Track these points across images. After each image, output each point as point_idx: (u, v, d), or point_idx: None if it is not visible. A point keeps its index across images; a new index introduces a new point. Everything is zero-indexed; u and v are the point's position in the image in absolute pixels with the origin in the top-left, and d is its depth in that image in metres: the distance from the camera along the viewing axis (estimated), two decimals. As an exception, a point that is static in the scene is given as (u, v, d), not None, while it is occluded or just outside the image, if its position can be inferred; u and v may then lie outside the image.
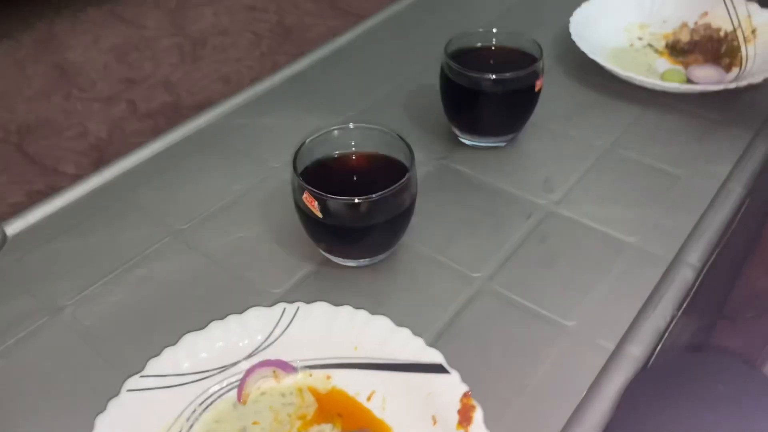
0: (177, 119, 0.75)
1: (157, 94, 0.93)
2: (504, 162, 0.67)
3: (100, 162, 0.74)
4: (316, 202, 0.50)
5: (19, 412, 0.46)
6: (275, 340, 0.48)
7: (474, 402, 0.42)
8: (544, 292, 0.54)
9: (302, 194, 0.51)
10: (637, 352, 0.49)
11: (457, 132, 0.69)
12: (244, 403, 0.46)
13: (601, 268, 0.55)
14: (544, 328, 0.51)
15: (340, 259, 0.56)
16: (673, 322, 0.52)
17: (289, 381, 0.47)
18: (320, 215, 0.51)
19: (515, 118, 0.67)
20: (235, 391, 0.46)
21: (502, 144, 0.68)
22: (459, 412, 0.42)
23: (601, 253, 0.57)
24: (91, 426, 0.42)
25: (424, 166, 0.65)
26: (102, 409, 0.42)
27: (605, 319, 0.51)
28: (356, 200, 0.49)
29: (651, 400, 0.43)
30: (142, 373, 0.44)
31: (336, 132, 0.55)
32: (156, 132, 0.71)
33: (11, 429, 0.45)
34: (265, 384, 0.47)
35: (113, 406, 0.42)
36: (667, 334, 0.51)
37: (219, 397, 0.46)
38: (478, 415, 0.42)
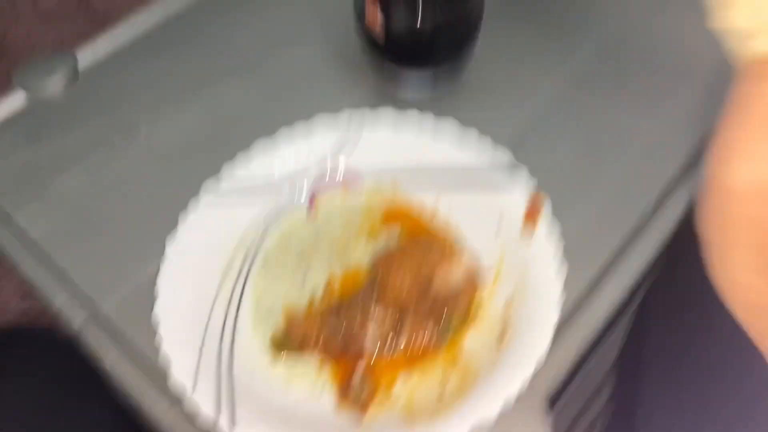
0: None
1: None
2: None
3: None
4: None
5: (105, 222, 0.49)
6: (342, 146, 0.48)
7: (542, 197, 0.42)
8: (620, 96, 0.51)
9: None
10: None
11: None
12: (315, 211, 0.47)
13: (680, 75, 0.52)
14: (619, 130, 0.49)
15: (403, 84, 0.54)
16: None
17: (358, 188, 0.48)
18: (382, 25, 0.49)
19: None
20: (307, 199, 0.47)
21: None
22: (527, 210, 0.42)
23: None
24: (174, 226, 0.44)
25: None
26: (184, 209, 0.44)
27: (684, 124, 0.49)
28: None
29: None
30: (219, 178, 0.46)
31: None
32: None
33: (99, 236, 0.48)
34: (335, 192, 0.48)
35: (194, 206, 0.44)
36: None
37: (292, 203, 0.47)
38: (545, 211, 0.42)
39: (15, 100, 0.58)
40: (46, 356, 0.46)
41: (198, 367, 0.38)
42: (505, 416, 0.34)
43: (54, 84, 0.58)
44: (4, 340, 0.48)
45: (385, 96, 0.54)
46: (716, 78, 0.52)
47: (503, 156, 0.44)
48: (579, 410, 0.54)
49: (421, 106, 0.49)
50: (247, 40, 0.61)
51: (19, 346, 0.47)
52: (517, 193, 0.43)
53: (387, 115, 0.48)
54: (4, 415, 0.44)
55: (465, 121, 0.47)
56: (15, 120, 0.57)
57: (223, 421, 0.35)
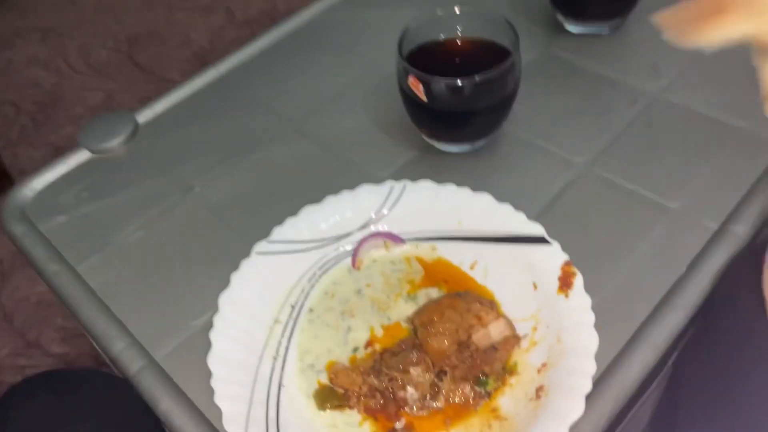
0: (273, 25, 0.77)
1: (254, 1, 0.95)
2: (608, 49, 0.65)
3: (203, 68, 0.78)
4: (421, 85, 0.52)
5: (161, 276, 0.52)
6: (385, 214, 0.51)
7: (574, 269, 0.45)
8: (648, 175, 0.54)
9: (407, 77, 0.52)
10: (742, 231, 0.49)
11: (561, 18, 0.68)
12: (358, 269, 0.50)
13: (708, 152, 0.55)
14: (646, 208, 0.52)
15: (442, 144, 0.58)
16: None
17: (398, 251, 0.51)
18: (425, 98, 0.53)
19: (623, 1, 0.65)
20: (349, 259, 0.50)
21: (607, 32, 0.67)
22: (560, 278, 0.45)
23: (708, 138, 0.56)
24: (226, 283, 0.47)
25: (527, 54, 0.64)
26: (236, 268, 0.48)
27: (710, 200, 0.51)
28: (459, 81, 0.50)
29: (754, 276, 0.44)
30: (269, 239, 0.49)
31: (440, 15, 0.56)
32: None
33: (155, 289, 0.51)
34: (376, 253, 0.51)
35: (245, 265, 0.48)
36: (775, 215, 0.51)
37: (336, 263, 0.50)
38: (578, 280, 0.44)
39: (79, 157, 0.63)
40: (114, 399, 0.49)
41: (248, 417, 0.40)
42: (539, 477, 0.36)
43: (114, 142, 0.63)
44: (77, 381, 0.51)
45: (426, 153, 0.58)
46: (746, 149, 0.54)
47: (537, 229, 0.47)
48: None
49: (458, 179, 0.52)
50: (295, 103, 0.65)
51: (89, 388, 0.49)
52: (551, 264, 0.45)
53: (426, 186, 0.51)
54: None
55: (499, 196, 0.50)
56: (78, 175, 0.62)
57: (272, 471, 0.37)
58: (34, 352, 1.18)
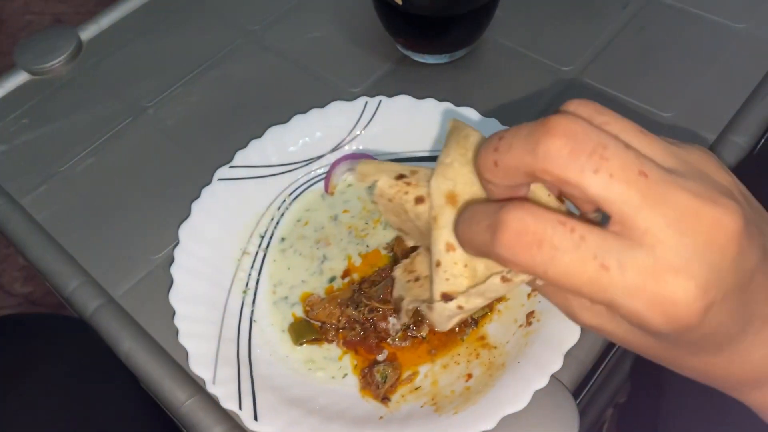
0: None
1: None
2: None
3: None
4: (396, -13, 0.46)
5: (114, 206, 0.48)
6: (359, 133, 0.47)
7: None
8: (641, 84, 0.50)
9: (381, -22, 0.47)
10: (741, 141, 0.46)
11: None
12: (332, 194, 0.46)
13: (704, 58, 0.51)
14: (640, 120, 0.47)
15: (420, 55, 0.53)
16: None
17: (375, 173, 0.46)
18: (399, 1, 0.47)
19: None
20: (322, 183, 0.46)
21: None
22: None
23: (705, 42, 0.52)
24: (186, 213, 0.43)
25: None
26: (196, 197, 0.43)
27: (708, 109, 0.48)
28: (440, -18, 0.45)
29: (758, 185, 0.41)
30: (232, 164, 0.45)
31: None
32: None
33: (109, 221, 0.47)
34: (351, 176, 0.46)
35: (207, 193, 0.43)
36: (776, 124, 0.48)
37: (307, 188, 0.46)
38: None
39: (16, 79, 0.57)
40: (73, 343, 0.46)
41: (217, 356, 0.37)
42: (533, 406, 0.34)
43: (56, 61, 0.57)
44: (33, 326, 0.47)
45: (403, 65, 0.53)
46: (745, 53, 0.51)
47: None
48: (605, 401, 0.54)
49: (439, 94, 0.48)
50: (256, 12, 0.59)
51: (49, 331, 0.46)
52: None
53: (403, 102, 0.47)
54: (38, 398, 0.43)
55: (484, 110, 0.46)
56: (17, 100, 0.55)
57: (246, 414, 0.35)
58: (-4, 292, 1.13)
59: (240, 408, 0.35)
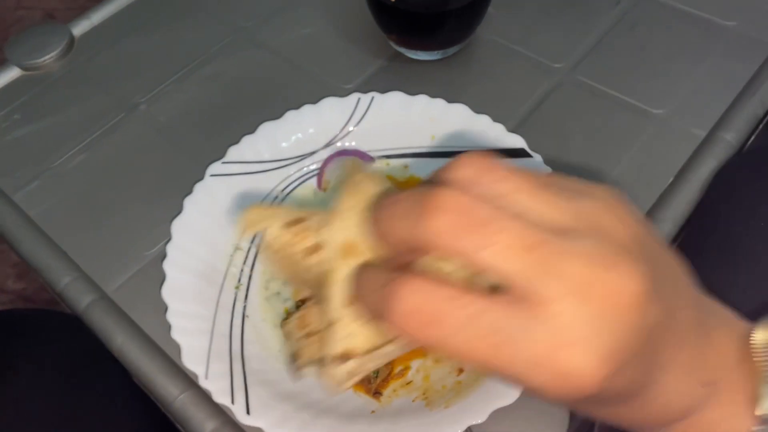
0: None
1: None
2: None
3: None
4: (388, -16, 0.46)
5: (107, 202, 0.48)
6: (351, 130, 0.47)
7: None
8: (632, 81, 0.50)
9: (373, -24, 0.47)
10: (731, 137, 0.46)
11: None
12: (325, 190, 0.46)
13: (695, 56, 0.51)
14: (631, 116, 0.48)
15: (412, 51, 0.53)
16: (773, 109, 0.49)
17: (367, 169, 0.47)
18: (393, -1, 0.47)
19: None
20: (315, 179, 0.46)
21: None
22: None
23: (696, 40, 0.52)
24: (179, 209, 0.43)
25: (500, -49, 0.59)
26: (189, 192, 0.43)
27: (698, 106, 0.48)
28: (432, -21, 0.45)
29: (748, 182, 0.41)
30: (224, 160, 0.45)
31: None
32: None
33: (101, 217, 0.47)
34: (344, 173, 0.47)
35: (199, 189, 0.43)
36: (765, 121, 0.48)
37: (300, 184, 0.46)
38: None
39: (8, 75, 0.56)
40: (66, 339, 0.46)
41: (209, 351, 0.37)
42: (523, 400, 0.34)
43: (48, 57, 0.56)
44: (25, 322, 0.47)
45: (395, 62, 0.53)
46: (736, 50, 0.51)
47: (518, 141, 0.44)
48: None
49: (431, 90, 0.48)
50: (248, 8, 0.59)
51: (39, 327, 0.46)
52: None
53: (396, 98, 0.47)
54: (27, 393, 0.43)
55: (476, 107, 0.46)
56: (9, 95, 0.55)
57: (238, 408, 0.35)
58: (-11, 288, 1.13)
59: (232, 402, 0.35)
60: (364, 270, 0.23)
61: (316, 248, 0.25)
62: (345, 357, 0.24)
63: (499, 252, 0.19)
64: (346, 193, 0.25)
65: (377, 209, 0.22)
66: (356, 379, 0.25)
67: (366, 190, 0.25)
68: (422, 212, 0.20)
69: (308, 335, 0.29)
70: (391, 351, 0.24)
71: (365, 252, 0.24)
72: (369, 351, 0.24)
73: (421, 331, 0.19)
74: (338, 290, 0.24)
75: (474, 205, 0.19)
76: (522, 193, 0.20)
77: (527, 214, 0.20)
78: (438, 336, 0.19)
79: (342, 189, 0.25)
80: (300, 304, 0.40)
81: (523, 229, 0.19)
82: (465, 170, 0.21)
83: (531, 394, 0.20)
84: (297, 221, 0.26)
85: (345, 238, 0.24)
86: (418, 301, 0.19)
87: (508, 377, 0.20)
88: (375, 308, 0.21)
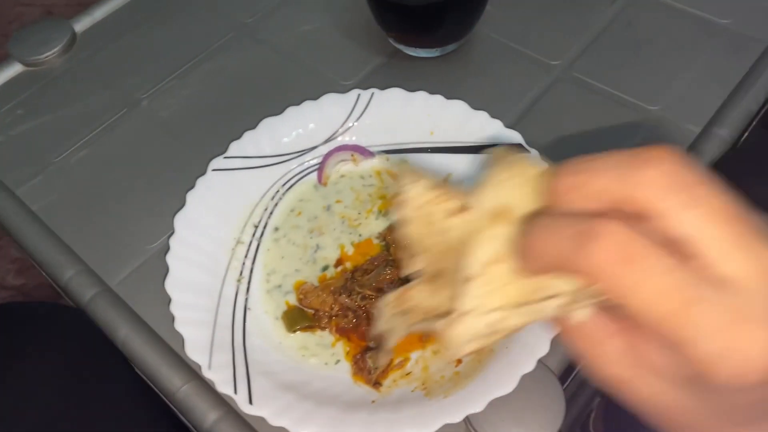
0: None
1: None
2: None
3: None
4: (388, -19, 0.47)
5: (109, 196, 0.48)
6: (351, 125, 0.48)
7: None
8: (628, 78, 0.51)
9: (373, -28, 0.48)
10: (725, 134, 0.47)
11: None
12: (325, 184, 0.47)
13: (690, 53, 0.52)
14: (627, 112, 0.49)
15: (412, 48, 0.54)
16: (767, 106, 0.49)
17: (367, 165, 0.47)
18: (393, -4, 0.48)
19: None
20: (315, 174, 0.47)
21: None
22: (539, 188, 0.42)
23: (691, 37, 0.53)
24: (181, 203, 0.43)
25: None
26: (191, 187, 0.44)
27: (693, 103, 0.49)
28: (431, -23, 0.46)
29: (740, 177, 0.42)
30: (226, 155, 0.45)
31: None
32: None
33: (104, 211, 0.48)
34: (344, 167, 0.47)
35: (201, 183, 0.44)
36: (758, 117, 0.49)
37: (300, 178, 0.47)
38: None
39: (10, 70, 0.57)
40: (70, 331, 0.46)
41: (212, 342, 0.38)
42: (520, 390, 0.35)
43: (50, 53, 0.57)
44: (30, 314, 0.48)
45: (395, 58, 0.54)
46: (730, 47, 0.52)
47: (515, 137, 0.44)
48: (593, 390, 0.55)
49: (430, 87, 0.49)
50: (249, 5, 0.60)
51: (41, 319, 0.46)
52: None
53: (395, 94, 0.47)
54: (31, 386, 0.43)
55: (474, 103, 0.46)
56: (11, 91, 0.56)
57: (241, 398, 0.35)
58: (-11, 284, 1.13)
59: (235, 392, 0.36)
60: (546, 218, 0.21)
61: (460, 210, 0.24)
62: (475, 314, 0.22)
63: (703, 216, 0.19)
64: (497, 170, 0.24)
65: (576, 162, 0.21)
66: (481, 344, 0.23)
67: (522, 166, 0.24)
68: (635, 165, 0.19)
69: (403, 314, 0.27)
70: (541, 312, 0.22)
71: (516, 220, 0.22)
72: (515, 305, 0.22)
73: (618, 269, 0.19)
74: (487, 247, 0.22)
75: (687, 168, 0.19)
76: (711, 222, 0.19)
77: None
78: (632, 280, 0.18)
79: (491, 169, 0.24)
80: (400, 284, 0.37)
81: (730, 201, 0.19)
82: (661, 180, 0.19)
83: (695, 367, 0.19)
84: (440, 186, 0.25)
85: (495, 204, 0.23)
86: (623, 237, 0.19)
87: (674, 340, 0.19)
88: (563, 246, 0.20)
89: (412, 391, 0.37)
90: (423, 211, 0.25)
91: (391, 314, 0.27)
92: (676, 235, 0.19)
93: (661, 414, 0.22)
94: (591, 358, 0.22)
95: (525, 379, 0.35)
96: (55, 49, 0.57)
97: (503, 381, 0.35)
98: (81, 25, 0.59)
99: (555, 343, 0.36)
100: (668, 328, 0.18)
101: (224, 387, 0.36)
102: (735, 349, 0.18)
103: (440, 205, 0.24)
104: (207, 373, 0.36)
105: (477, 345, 0.22)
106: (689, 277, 0.18)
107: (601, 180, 0.20)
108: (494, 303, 0.22)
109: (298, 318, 0.41)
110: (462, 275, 0.22)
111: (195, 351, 0.37)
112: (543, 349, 0.35)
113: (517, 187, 0.23)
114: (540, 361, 0.36)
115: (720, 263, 0.19)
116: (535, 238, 0.21)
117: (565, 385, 0.39)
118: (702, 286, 0.18)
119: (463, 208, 0.24)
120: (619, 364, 0.22)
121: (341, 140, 0.47)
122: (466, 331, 0.22)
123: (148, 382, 0.42)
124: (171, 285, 0.40)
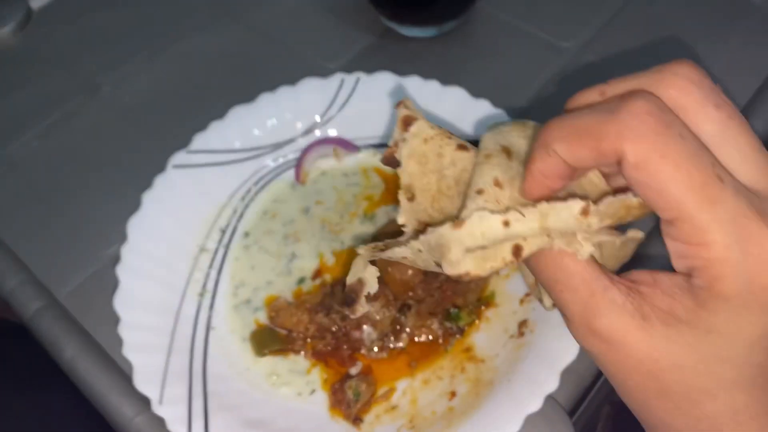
0: None
1: None
2: None
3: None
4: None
5: (62, 194, 0.43)
6: (334, 115, 0.42)
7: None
8: (649, 63, 0.45)
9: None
10: (759, 126, 0.41)
11: None
12: (303, 183, 0.41)
13: (719, 34, 0.46)
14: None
15: (405, 27, 0.48)
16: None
17: (352, 161, 0.42)
18: (382, -33, 0.42)
19: None
20: (292, 171, 0.41)
21: None
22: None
23: (721, 16, 0.47)
24: (137, 203, 0.38)
25: None
26: (148, 186, 0.38)
27: (722, 89, 0.43)
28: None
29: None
30: (189, 149, 0.40)
31: None
32: None
33: (55, 211, 0.42)
34: (325, 163, 0.42)
35: (160, 183, 0.38)
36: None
37: (275, 176, 0.41)
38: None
39: (-41, 51, 0.51)
40: (10, 349, 0.41)
41: (166, 371, 0.33)
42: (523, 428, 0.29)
43: (2, 31, 0.51)
44: None
45: (386, 38, 0.48)
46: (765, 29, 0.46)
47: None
48: (601, 399, 0.50)
49: (425, 71, 0.43)
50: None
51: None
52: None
53: (384, 79, 0.42)
54: None
55: (474, 90, 0.41)
56: (-41, 73, 0.50)
57: (194, 440, 0.30)
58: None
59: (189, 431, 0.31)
60: (573, 111, 0.22)
61: (466, 147, 0.25)
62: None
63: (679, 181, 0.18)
64: (498, 126, 0.25)
65: (556, 119, 0.21)
66: (490, 267, 0.21)
67: (521, 123, 0.25)
68: (619, 104, 0.19)
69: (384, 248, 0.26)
70: (563, 215, 0.21)
71: (515, 156, 0.23)
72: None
73: (652, 125, 0.19)
74: (493, 170, 0.23)
75: (662, 109, 0.19)
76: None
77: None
78: (665, 140, 0.19)
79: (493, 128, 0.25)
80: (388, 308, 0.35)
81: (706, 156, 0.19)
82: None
83: (704, 277, 0.19)
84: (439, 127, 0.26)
85: (505, 143, 0.24)
86: (654, 107, 0.19)
87: (696, 222, 0.18)
88: (592, 120, 0.20)
89: (398, 429, 0.32)
90: (429, 144, 0.25)
91: (368, 260, 0.27)
92: (698, 131, 0.19)
93: (638, 365, 0.21)
94: (591, 307, 0.21)
95: (530, 417, 0.29)
96: (7, 27, 0.51)
97: (504, 421, 0.30)
98: (38, 0, 0.53)
99: (565, 372, 0.31)
100: (692, 202, 0.18)
101: (176, 425, 0.31)
102: (753, 243, 0.18)
103: (448, 140, 0.25)
104: (157, 409, 0.31)
105: (475, 265, 0.21)
106: (715, 162, 0.19)
107: (626, 83, 0.21)
108: (501, 205, 0.22)
109: (269, 339, 0.36)
110: (472, 189, 0.22)
111: (144, 382, 0.32)
112: (551, 384, 0.30)
113: (515, 135, 0.24)
114: (547, 396, 0.30)
115: (743, 166, 0.19)
116: (560, 123, 0.21)
117: (574, 419, 0.34)
118: (726, 176, 0.19)
119: (462, 147, 0.24)
120: (611, 316, 0.21)
121: (321, 132, 0.42)
122: (473, 231, 0.21)
123: (98, 410, 0.36)
124: (120, 302, 0.34)
